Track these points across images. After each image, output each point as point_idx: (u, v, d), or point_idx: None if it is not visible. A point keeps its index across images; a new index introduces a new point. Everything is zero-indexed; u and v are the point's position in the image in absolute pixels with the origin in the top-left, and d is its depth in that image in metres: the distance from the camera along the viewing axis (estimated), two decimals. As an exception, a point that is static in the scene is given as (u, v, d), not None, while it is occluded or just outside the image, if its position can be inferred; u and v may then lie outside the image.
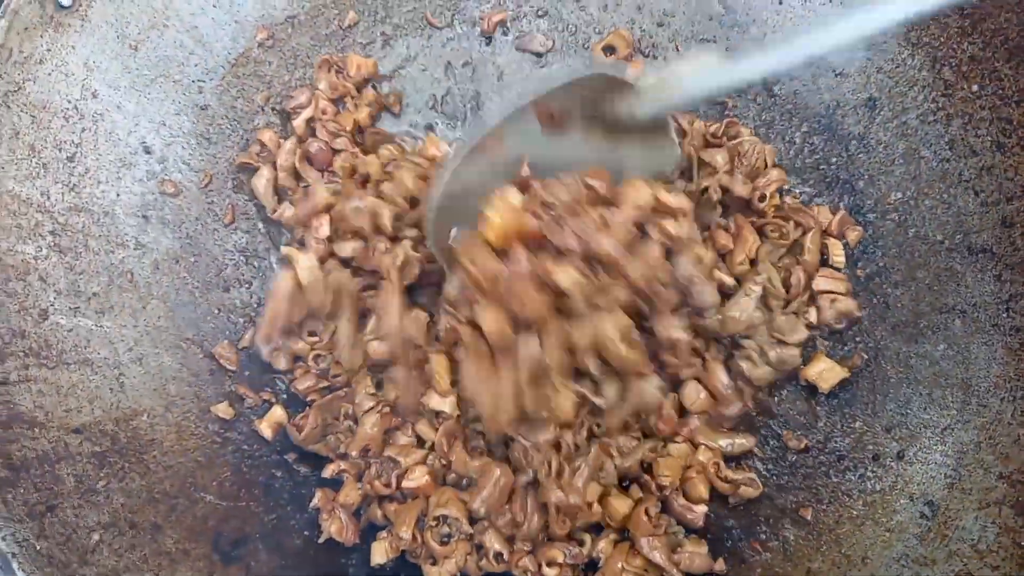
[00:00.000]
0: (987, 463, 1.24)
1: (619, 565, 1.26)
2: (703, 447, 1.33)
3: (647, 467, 1.33)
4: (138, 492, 1.20)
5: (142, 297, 1.38)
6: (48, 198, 1.30)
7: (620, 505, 1.28)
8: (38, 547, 1.03)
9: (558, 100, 1.19)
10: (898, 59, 1.52)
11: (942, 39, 1.44)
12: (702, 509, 1.29)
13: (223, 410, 1.36)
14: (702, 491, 1.28)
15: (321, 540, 1.27)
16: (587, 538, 1.30)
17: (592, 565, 1.29)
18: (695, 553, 1.28)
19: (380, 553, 1.27)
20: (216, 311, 1.46)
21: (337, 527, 1.28)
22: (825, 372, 1.42)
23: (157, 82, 1.47)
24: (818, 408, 1.42)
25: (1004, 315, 1.32)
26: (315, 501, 1.34)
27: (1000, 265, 1.34)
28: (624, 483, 1.35)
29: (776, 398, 1.43)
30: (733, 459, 1.37)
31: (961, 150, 1.42)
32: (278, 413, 1.37)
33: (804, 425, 1.41)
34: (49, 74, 1.33)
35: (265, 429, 1.35)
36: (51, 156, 1.32)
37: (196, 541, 1.20)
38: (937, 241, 1.44)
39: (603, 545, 1.29)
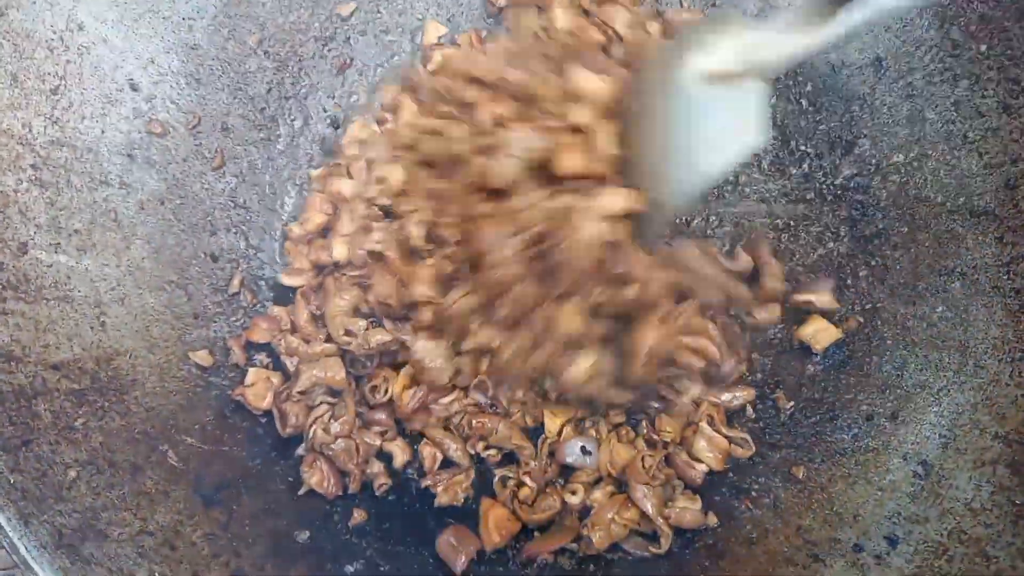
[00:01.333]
0: (983, 423, 1.22)
1: (609, 515, 1.24)
2: (705, 402, 1.30)
3: (652, 421, 1.32)
4: (117, 432, 1.16)
5: (126, 237, 1.34)
6: (30, 130, 1.26)
7: (623, 452, 1.26)
8: (12, 480, 1.00)
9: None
10: (906, 18, 1.48)
11: (951, -2, 1.41)
12: (703, 467, 1.27)
13: (202, 357, 1.33)
14: (707, 453, 1.27)
15: (301, 492, 1.25)
16: (580, 488, 1.28)
17: (586, 512, 1.27)
18: (687, 508, 1.27)
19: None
20: (202, 255, 1.43)
21: (318, 479, 1.26)
22: (819, 332, 1.40)
23: (145, 17, 1.42)
24: (811, 368, 1.40)
25: (1005, 277, 1.30)
26: (300, 449, 1.31)
27: (1002, 228, 1.32)
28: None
29: (769, 357, 1.41)
30: (730, 415, 1.35)
31: (967, 111, 1.39)
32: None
33: (797, 385, 1.40)
34: (34, 2, 1.29)
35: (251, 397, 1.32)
36: (34, 87, 1.27)
37: (177, 483, 1.17)
38: (939, 203, 1.41)
39: (597, 495, 1.27)
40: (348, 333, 1.29)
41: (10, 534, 0.97)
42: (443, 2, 1.62)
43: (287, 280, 1.41)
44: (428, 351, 1.28)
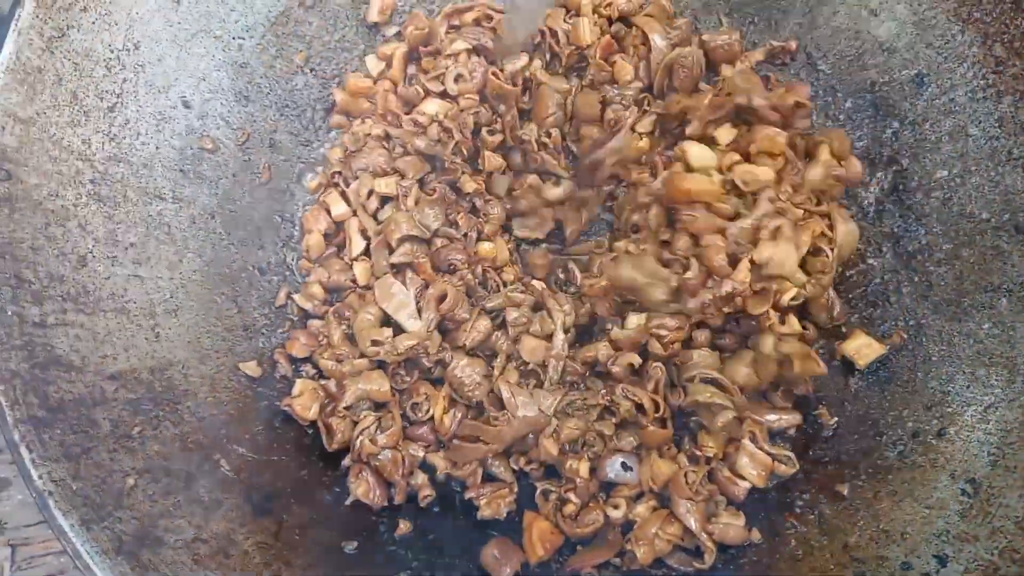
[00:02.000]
0: (1032, 442, 1.21)
1: (653, 530, 1.24)
2: (749, 420, 1.30)
3: (695, 437, 1.32)
4: (172, 441, 1.19)
5: (178, 250, 1.38)
6: (89, 146, 1.30)
7: (664, 467, 1.26)
8: (74, 487, 1.03)
9: None
10: (947, 35, 1.49)
11: (994, 14, 1.41)
12: (746, 484, 1.27)
13: (251, 368, 1.36)
14: (750, 470, 1.27)
15: (348, 502, 1.27)
16: (622, 502, 1.28)
17: (628, 526, 1.28)
18: (731, 524, 1.27)
19: None
20: (250, 268, 1.46)
21: (364, 489, 1.27)
22: (863, 348, 1.40)
23: (198, 37, 1.46)
24: (855, 384, 1.40)
25: (1052, 294, 1.29)
26: (346, 460, 1.33)
27: (1048, 244, 1.31)
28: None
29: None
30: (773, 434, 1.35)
31: (1011, 128, 1.39)
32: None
33: (840, 401, 1.39)
34: (93, 22, 1.33)
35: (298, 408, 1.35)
36: (92, 105, 1.31)
37: (229, 492, 1.19)
38: (983, 219, 1.41)
39: (640, 509, 1.27)
40: (375, 343, 1.31)
41: (73, 540, 0.99)
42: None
43: (301, 302, 1.44)
44: (466, 370, 1.31)
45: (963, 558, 1.14)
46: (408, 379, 1.37)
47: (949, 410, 1.32)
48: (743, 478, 1.30)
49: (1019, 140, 1.38)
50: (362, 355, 1.36)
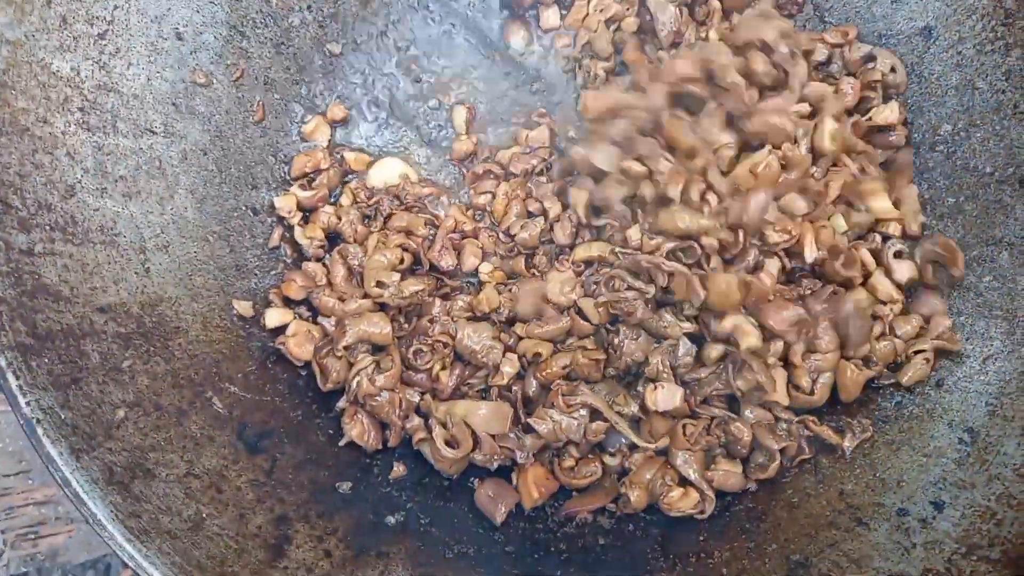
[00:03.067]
0: (1031, 392, 1.21)
1: (648, 475, 1.23)
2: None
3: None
4: (163, 376, 1.16)
5: (169, 186, 1.34)
6: (78, 73, 1.25)
7: (660, 425, 1.25)
8: (63, 416, 1.00)
9: None
10: (957, -13, 1.47)
11: (1006, -35, 1.39)
12: (749, 436, 1.26)
13: (244, 308, 1.33)
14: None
15: (343, 443, 1.25)
16: (618, 452, 1.28)
17: (625, 473, 1.27)
18: (729, 472, 1.26)
19: None
20: (243, 208, 1.42)
21: (359, 431, 1.26)
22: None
23: (191, -34, 1.41)
24: (855, 336, 1.39)
25: (1054, 247, 1.28)
26: (341, 402, 1.31)
27: (1053, 198, 1.31)
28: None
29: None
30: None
31: (1018, 81, 1.38)
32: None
33: (839, 353, 1.38)
34: (83, -57, 1.28)
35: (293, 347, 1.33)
36: (82, 31, 1.27)
37: (221, 429, 1.17)
38: (987, 173, 1.40)
39: (636, 457, 1.26)
40: (379, 284, 1.29)
41: (62, 467, 0.97)
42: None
43: (301, 238, 1.43)
44: (472, 335, 1.29)
45: (960, 504, 1.15)
46: (407, 326, 1.35)
47: (947, 361, 1.32)
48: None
49: (1025, 93, 1.37)
50: (365, 295, 1.34)
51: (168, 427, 1.11)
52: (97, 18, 1.29)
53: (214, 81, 1.43)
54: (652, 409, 1.24)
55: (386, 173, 1.54)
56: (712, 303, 1.22)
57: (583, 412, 1.25)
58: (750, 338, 1.20)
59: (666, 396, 1.23)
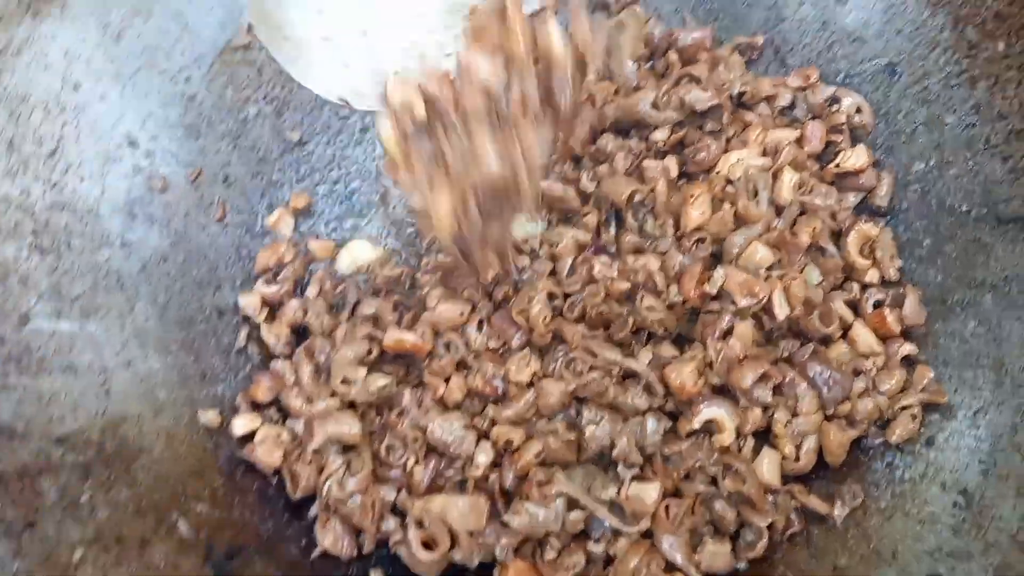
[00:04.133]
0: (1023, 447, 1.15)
1: (634, 563, 1.19)
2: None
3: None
4: (125, 504, 1.14)
5: (129, 298, 1.33)
6: (28, 196, 1.25)
7: (645, 497, 1.21)
8: (16, 567, 0.98)
9: None
10: (918, 20, 1.43)
11: (964, -3, 1.35)
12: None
13: (211, 418, 1.31)
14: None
15: (315, 555, 1.22)
16: (603, 538, 1.23)
17: (610, 561, 1.23)
18: (717, 552, 1.21)
19: None
20: (207, 311, 1.41)
21: (332, 539, 1.22)
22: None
23: (142, 72, 1.41)
24: (841, 393, 1.34)
25: (1038, 288, 1.23)
26: (313, 509, 1.28)
27: (1032, 235, 1.26)
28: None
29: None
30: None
31: (987, 114, 1.33)
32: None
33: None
34: (28, 65, 1.27)
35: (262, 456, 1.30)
36: (31, 151, 1.26)
37: (187, 554, 1.14)
38: (963, 212, 1.35)
39: (622, 542, 1.22)
40: (345, 381, 1.26)
41: (16, 623, 0.95)
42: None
43: (267, 336, 1.41)
44: (444, 426, 1.26)
45: (957, 576, 1.09)
46: (379, 420, 1.32)
47: (937, 416, 1.27)
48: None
49: (996, 127, 1.32)
50: (333, 394, 1.31)
51: (130, 560, 1.09)
52: (46, 136, 1.28)
53: (171, 185, 1.42)
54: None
55: (355, 257, 1.52)
56: (676, 394, 1.19)
57: (560, 502, 1.21)
58: (724, 436, 1.16)
59: (642, 492, 1.19)
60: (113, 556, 1.07)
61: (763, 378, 1.23)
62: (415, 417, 1.30)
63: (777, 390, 1.25)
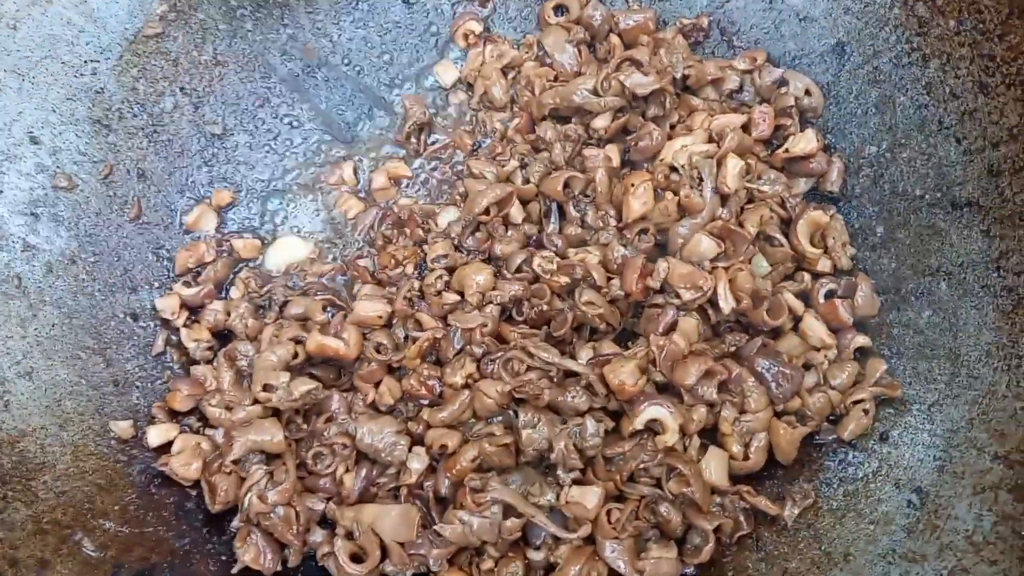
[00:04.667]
0: (980, 442, 1.10)
1: (574, 570, 1.12)
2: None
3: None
4: (22, 524, 1.06)
5: (32, 304, 1.24)
6: (-84, 197, 1.16)
7: (586, 502, 1.14)
8: None
9: None
10: (866, -2, 1.37)
11: (914, -28, 1.29)
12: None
13: (123, 429, 1.22)
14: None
15: (235, 571, 1.14)
16: (543, 545, 1.16)
17: (550, 568, 1.16)
18: (663, 558, 1.15)
19: None
20: (121, 315, 1.32)
21: (253, 554, 1.14)
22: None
23: (43, 64, 1.32)
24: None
25: (994, 275, 1.18)
26: (235, 522, 1.20)
27: (988, 219, 1.20)
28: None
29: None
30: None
31: (940, 94, 1.28)
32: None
33: (772, 405, 1.28)
34: (-86, 57, 1.18)
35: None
36: (-81, 151, 1.17)
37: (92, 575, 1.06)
38: (917, 196, 1.29)
39: (562, 549, 1.15)
40: (266, 388, 1.18)
41: None
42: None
43: (186, 341, 1.32)
44: (375, 432, 1.18)
45: (911, 581, 1.03)
46: (306, 427, 1.24)
47: (890, 411, 1.21)
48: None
49: (949, 107, 1.27)
50: (255, 401, 1.23)
51: (25, 585, 1.01)
52: (-62, 135, 1.19)
53: (79, 183, 1.33)
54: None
55: (284, 255, 1.44)
56: (616, 393, 1.13)
57: (496, 509, 1.14)
58: (667, 436, 1.10)
59: (583, 496, 1.12)
60: (3, 582, 0.99)
61: (708, 375, 1.16)
62: (344, 423, 1.22)
63: (723, 387, 1.19)
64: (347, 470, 1.22)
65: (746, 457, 1.20)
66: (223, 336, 1.35)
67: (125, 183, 1.38)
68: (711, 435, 1.23)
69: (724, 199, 1.29)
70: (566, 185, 1.31)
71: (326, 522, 1.21)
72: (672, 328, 1.20)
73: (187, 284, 1.36)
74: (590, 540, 1.17)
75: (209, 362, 1.32)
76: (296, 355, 1.25)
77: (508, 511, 1.15)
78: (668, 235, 1.28)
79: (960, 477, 1.09)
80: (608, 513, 1.14)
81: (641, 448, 1.18)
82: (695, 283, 1.19)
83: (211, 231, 1.42)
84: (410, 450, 1.21)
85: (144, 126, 1.41)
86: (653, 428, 1.18)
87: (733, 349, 1.23)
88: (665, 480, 1.16)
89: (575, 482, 1.17)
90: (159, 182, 1.41)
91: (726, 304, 1.19)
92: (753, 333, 1.26)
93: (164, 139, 1.42)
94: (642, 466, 1.18)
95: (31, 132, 1.30)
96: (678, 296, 1.21)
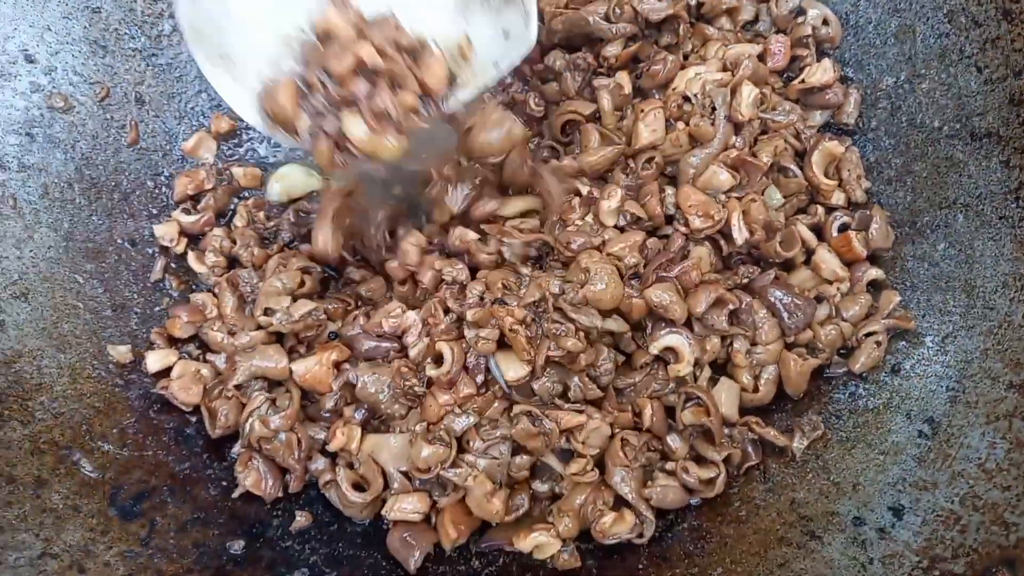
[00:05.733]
0: (995, 372, 1.08)
1: (579, 500, 1.10)
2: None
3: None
4: (19, 443, 1.04)
5: (28, 225, 1.21)
6: (-95, 111, 1.12)
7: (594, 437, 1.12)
8: None
9: None
10: (888, -78, 1.32)
11: None
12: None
13: (121, 353, 1.20)
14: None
15: (236, 495, 1.12)
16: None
17: (556, 498, 1.14)
18: (669, 486, 1.13)
19: None
20: (119, 240, 1.29)
21: (254, 479, 1.13)
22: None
23: (38, -20, 1.27)
24: (801, 321, 1.26)
25: (1013, 205, 1.15)
26: (237, 447, 1.18)
27: (1008, 150, 1.17)
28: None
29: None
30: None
31: (961, 22, 1.23)
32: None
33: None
34: (-101, -32, 1.14)
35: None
36: (-93, 63, 1.13)
37: (89, 496, 1.05)
38: (935, 128, 1.26)
39: (567, 480, 1.13)
40: (267, 312, 1.16)
41: None
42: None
43: (195, 265, 1.30)
44: (372, 381, 1.15)
45: (921, 508, 1.02)
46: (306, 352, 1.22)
47: (903, 343, 1.19)
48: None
49: (971, 35, 1.23)
50: (257, 327, 1.21)
51: (22, 502, 0.99)
52: (-75, 47, 1.15)
53: (75, 104, 1.30)
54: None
55: (286, 184, 1.40)
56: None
57: (503, 448, 1.12)
58: (681, 366, 1.08)
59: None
60: (3, 496, 0.97)
61: (718, 303, 1.13)
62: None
63: (734, 317, 1.16)
64: (348, 402, 1.19)
65: (756, 389, 1.18)
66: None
67: (122, 107, 1.34)
68: (719, 368, 1.21)
69: (737, 128, 1.25)
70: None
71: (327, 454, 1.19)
72: (683, 256, 1.17)
73: (186, 211, 1.33)
74: (597, 467, 1.15)
75: (210, 290, 1.29)
76: (303, 283, 1.23)
77: (516, 449, 1.13)
78: (679, 166, 1.25)
79: (973, 407, 1.07)
80: (622, 441, 1.12)
81: (652, 378, 1.16)
82: (707, 212, 1.16)
83: (210, 158, 1.39)
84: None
85: (142, 48, 1.37)
86: (664, 358, 1.16)
87: (746, 281, 1.20)
88: (680, 409, 1.13)
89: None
90: (157, 106, 1.37)
91: (739, 235, 1.16)
92: (765, 266, 1.23)
93: (162, 63, 1.38)
94: (656, 395, 1.16)
95: (26, 50, 1.26)
96: (687, 224, 1.18)
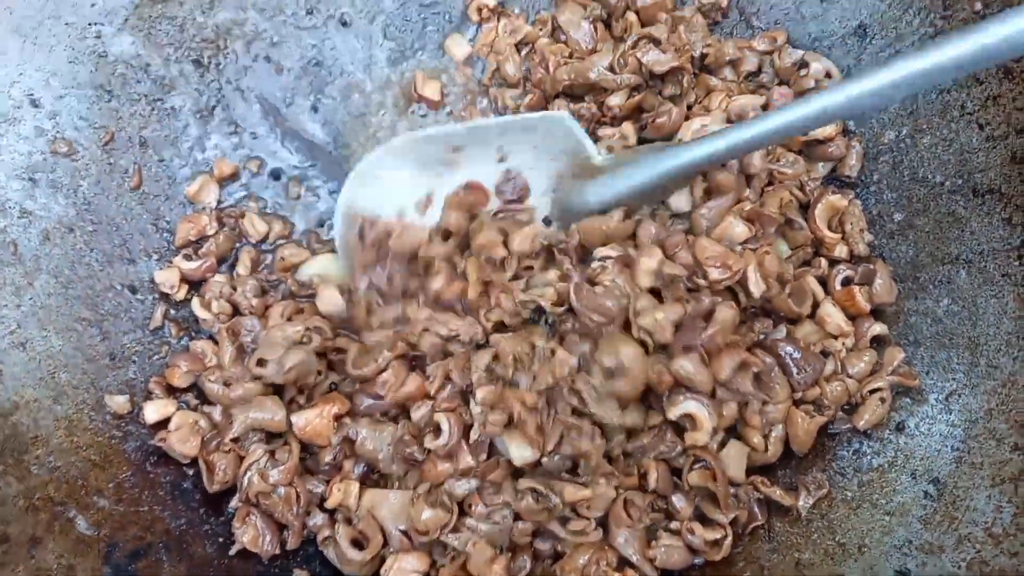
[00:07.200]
0: (999, 433, 1.08)
1: (583, 560, 1.09)
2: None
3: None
4: (14, 500, 1.02)
5: (28, 272, 1.20)
6: (-91, 159, 1.11)
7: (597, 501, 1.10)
8: None
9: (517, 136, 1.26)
10: (890, -21, 1.34)
11: (940, -48, 1.26)
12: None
13: (119, 404, 1.18)
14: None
15: (233, 552, 1.10)
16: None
17: (558, 557, 1.13)
18: (673, 546, 1.12)
19: None
20: (119, 287, 1.28)
21: (252, 535, 1.11)
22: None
23: (46, 25, 1.27)
24: (805, 376, 1.25)
25: (1015, 263, 1.15)
26: (233, 502, 1.17)
27: (1010, 207, 1.18)
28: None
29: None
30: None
31: (963, 79, 1.24)
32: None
33: (788, 396, 1.25)
34: (-90, 15, 1.14)
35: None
36: (-88, 110, 1.13)
37: (84, 555, 1.03)
38: (937, 183, 1.26)
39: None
40: (260, 363, 1.14)
41: None
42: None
43: (199, 311, 1.29)
44: (372, 438, 1.14)
45: (928, 572, 1.01)
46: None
47: (908, 400, 1.18)
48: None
49: (972, 92, 1.24)
50: (255, 378, 1.20)
51: (16, 562, 0.97)
52: (-70, 93, 1.15)
53: (79, 149, 1.29)
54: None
55: (317, 269, 1.36)
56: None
57: (506, 514, 1.10)
58: (699, 434, 1.06)
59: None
60: (-6, 558, 0.96)
61: (742, 367, 1.10)
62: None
63: (757, 379, 1.14)
64: (347, 456, 1.18)
65: (765, 449, 1.17)
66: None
67: (126, 151, 1.34)
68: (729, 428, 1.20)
69: (748, 180, 1.26)
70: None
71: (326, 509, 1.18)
72: (709, 315, 1.14)
73: (187, 257, 1.32)
74: (601, 527, 1.13)
75: (211, 336, 1.28)
76: (307, 339, 1.21)
77: (518, 515, 1.12)
78: (691, 219, 1.24)
79: (978, 468, 1.06)
80: (625, 503, 1.11)
81: (660, 440, 1.15)
82: (725, 262, 1.14)
83: (212, 203, 1.38)
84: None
85: (147, 92, 1.37)
86: (680, 423, 1.14)
87: (763, 337, 1.19)
88: (687, 471, 1.12)
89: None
90: (161, 150, 1.37)
91: (757, 288, 1.15)
92: (774, 319, 1.23)
93: (167, 107, 1.38)
94: (662, 457, 1.15)
95: (31, 95, 1.26)
96: (706, 276, 1.15)
